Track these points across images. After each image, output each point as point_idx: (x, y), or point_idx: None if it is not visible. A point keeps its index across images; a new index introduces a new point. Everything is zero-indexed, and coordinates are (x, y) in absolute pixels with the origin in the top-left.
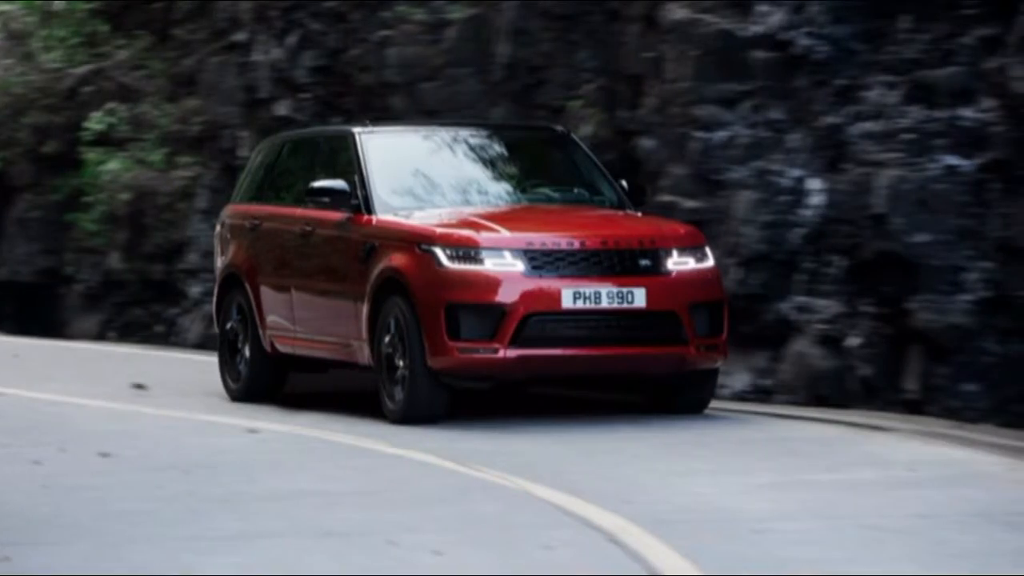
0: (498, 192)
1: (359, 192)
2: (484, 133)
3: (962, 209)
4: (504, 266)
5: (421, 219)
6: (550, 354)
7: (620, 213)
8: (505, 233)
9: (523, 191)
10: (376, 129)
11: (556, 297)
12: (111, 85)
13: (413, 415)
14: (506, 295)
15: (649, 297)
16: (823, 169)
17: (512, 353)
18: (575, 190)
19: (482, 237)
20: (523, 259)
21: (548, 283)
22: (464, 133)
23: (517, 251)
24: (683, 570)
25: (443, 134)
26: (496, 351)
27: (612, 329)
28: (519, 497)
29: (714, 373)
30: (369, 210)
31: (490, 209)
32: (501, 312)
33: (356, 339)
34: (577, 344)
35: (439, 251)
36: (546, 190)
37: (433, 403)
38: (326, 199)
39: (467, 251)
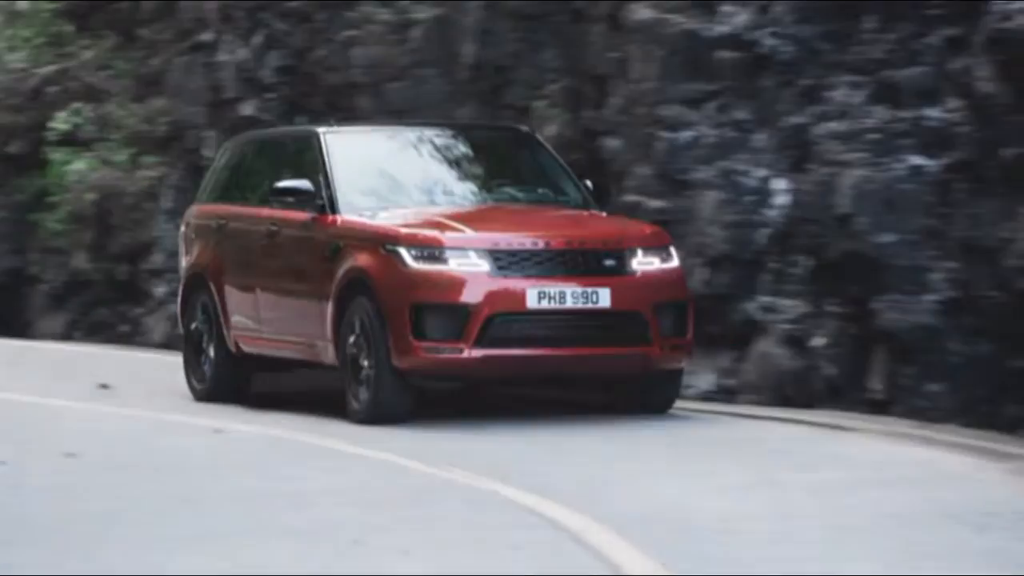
0: (463, 192)
1: (324, 192)
2: (449, 133)
3: (927, 209)
4: (469, 266)
5: (386, 219)
6: (515, 354)
7: (585, 213)
8: (470, 233)
9: (488, 191)
10: (341, 129)
11: (521, 297)
12: (76, 85)
13: (378, 415)
14: (471, 295)
15: (613, 297)
16: (788, 169)
17: (477, 353)
18: (540, 190)
19: (447, 237)
20: (488, 259)
21: (513, 283)
22: (429, 133)
23: (482, 251)
24: (650, 570)
25: (408, 134)
26: (461, 351)
27: (577, 329)
28: (486, 497)
29: (679, 373)
30: (334, 210)
31: (455, 209)
32: (466, 312)
33: (321, 339)
34: (542, 344)
35: (404, 251)
36: (511, 190)
37: (398, 403)
38: (291, 199)
39: (432, 251)
